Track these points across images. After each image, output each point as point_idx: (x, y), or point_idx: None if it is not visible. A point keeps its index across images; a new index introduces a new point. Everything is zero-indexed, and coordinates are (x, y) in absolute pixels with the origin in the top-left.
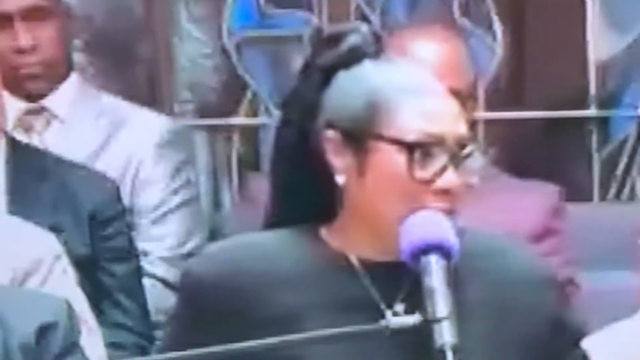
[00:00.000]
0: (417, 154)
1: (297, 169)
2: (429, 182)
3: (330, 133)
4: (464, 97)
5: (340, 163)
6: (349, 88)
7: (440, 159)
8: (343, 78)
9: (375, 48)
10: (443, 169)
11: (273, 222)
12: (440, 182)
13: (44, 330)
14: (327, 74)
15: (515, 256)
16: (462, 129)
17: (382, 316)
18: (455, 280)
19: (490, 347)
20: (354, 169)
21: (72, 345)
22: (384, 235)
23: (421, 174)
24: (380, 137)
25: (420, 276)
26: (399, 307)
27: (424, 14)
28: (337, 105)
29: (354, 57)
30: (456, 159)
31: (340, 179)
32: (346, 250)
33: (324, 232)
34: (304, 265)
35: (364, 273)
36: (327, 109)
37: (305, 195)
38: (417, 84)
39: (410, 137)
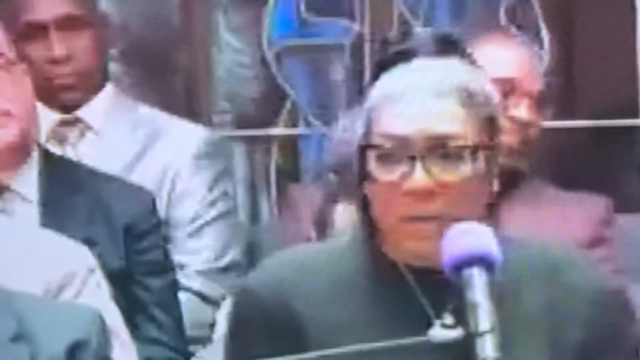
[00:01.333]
0: (380, 157)
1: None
2: (399, 186)
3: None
4: (542, 101)
5: (360, 170)
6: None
7: (405, 160)
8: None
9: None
10: (408, 171)
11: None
12: (406, 185)
13: (75, 348)
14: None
15: (575, 269)
16: (442, 129)
17: (430, 327)
18: (509, 292)
19: None
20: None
21: None
22: (398, 243)
23: (387, 176)
24: (365, 145)
25: (462, 289)
26: (448, 318)
27: (470, 21)
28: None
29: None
30: (427, 160)
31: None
32: (395, 256)
33: (378, 238)
34: (357, 277)
35: (414, 282)
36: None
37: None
38: (404, 88)
39: (376, 142)
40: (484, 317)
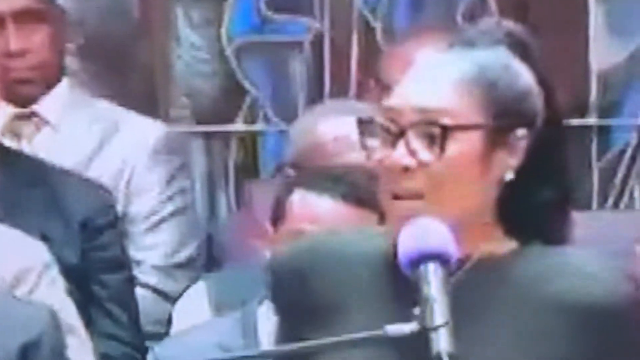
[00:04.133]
0: (369, 131)
1: None
2: (385, 162)
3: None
4: None
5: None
6: None
7: (392, 137)
8: None
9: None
10: (392, 145)
11: None
12: (387, 160)
13: (28, 348)
14: None
15: (567, 276)
16: (430, 103)
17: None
18: (498, 295)
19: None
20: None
21: None
22: (389, 222)
23: (377, 154)
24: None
25: (418, 285)
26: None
27: (427, 21)
28: None
29: None
30: (410, 135)
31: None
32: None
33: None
34: (366, 259)
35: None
36: None
37: None
38: (423, 65)
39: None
40: (439, 312)
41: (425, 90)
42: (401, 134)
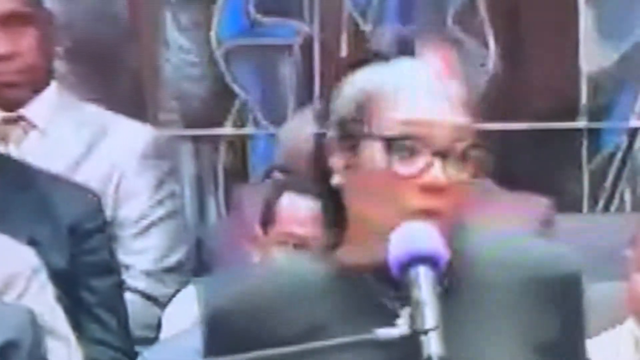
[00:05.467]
0: (399, 150)
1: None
2: (415, 179)
3: (330, 134)
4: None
5: (336, 164)
6: (345, 90)
7: (426, 155)
8: (345, 82)
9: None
10: (428, 165)
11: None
12: (426, 178)
13: (6, 348)
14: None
15: (532, 252)
16: (455, 125)
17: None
18: (465, 285)
19: (520, 348)
20: (348, 172)
21: None
22: (379, 240)
23: (405, 170)
24: (366, 136)
25: (409, 288)
26: (405, 311)
27: (416, 23)
28: (335, 108)
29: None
30: (444, 155)
31: (336, 179)
32: (354, 259)
33: (339, 252)
34: (320, 283)
35: (373, 280)
36: (331, 115)
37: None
38: (407, 81)
39: (391, 132)
40: (430, 315)
41: (444, 106)
42: (436, 152)
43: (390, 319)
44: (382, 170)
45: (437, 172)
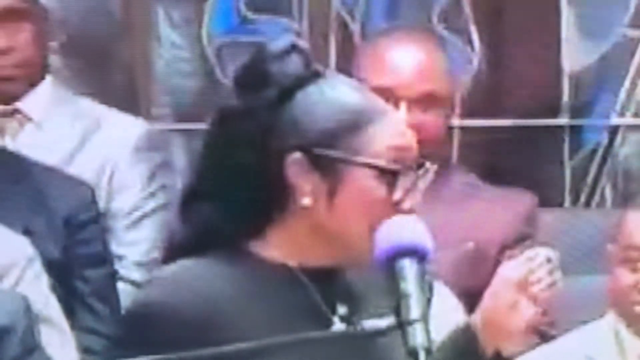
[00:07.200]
0: (387, 175)
1: (237, 185)
2: (398, 202)
3: (297, 156)
4: (441, 102)
5: (306, 186)
6: (317, 110)
7: (407, 179)
8: (304, 99)
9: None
10: (412, 188)
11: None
12: (409, 201)
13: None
14: (282, 94)
15: None
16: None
17: (329, 321)
18: None
19: None
20: (323, 191)
21: (31, 351)
22: (349, 247)
23: (395, 195)
24: (354, 162)
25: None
26: (342, 309)
27: (403, 22)
28: (304, 127)
29: (308, 77)
30: (418, 177)
31: (305, 201)
32: (286, 259)
33: (252, 245)
34: (247, 283)
35: (307, 280)
36: (291, 131)
37: (236, 213)
38: (377, 104)
39: (385, 161)
40: (415, 307)
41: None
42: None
43: (320, 321)
44: (372, 196)
45: (417, 195)
